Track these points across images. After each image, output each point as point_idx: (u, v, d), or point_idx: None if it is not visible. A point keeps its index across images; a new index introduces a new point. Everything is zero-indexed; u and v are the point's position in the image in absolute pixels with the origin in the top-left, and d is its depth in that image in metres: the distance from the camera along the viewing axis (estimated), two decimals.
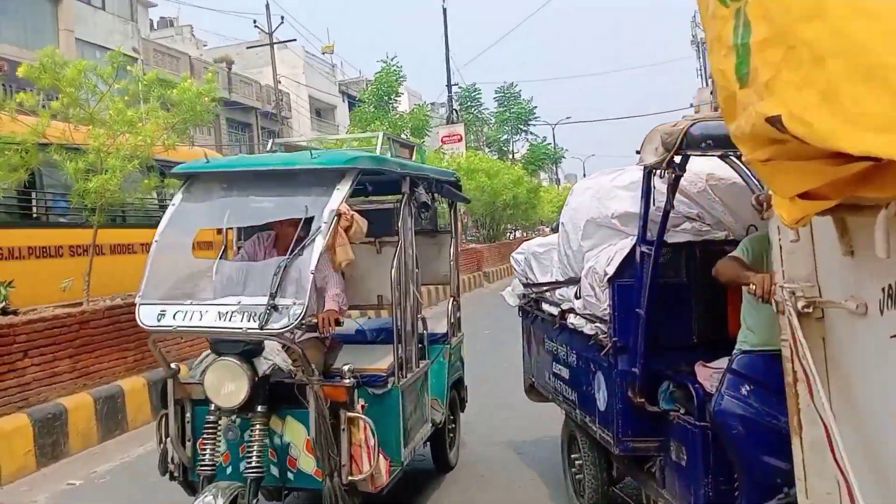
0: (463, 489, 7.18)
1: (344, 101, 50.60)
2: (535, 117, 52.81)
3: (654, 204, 4.76)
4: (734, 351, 4.21)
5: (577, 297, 5.60)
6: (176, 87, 11.53)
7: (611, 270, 5.05)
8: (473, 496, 7.01)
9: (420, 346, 6.36)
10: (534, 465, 7.70)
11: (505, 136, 51.80)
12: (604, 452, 5.67)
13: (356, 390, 5.24)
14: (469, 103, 47.08)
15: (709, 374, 4.47)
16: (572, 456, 6.33)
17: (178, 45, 41.11)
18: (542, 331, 6.88)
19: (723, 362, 4.42)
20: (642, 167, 4.70)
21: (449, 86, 35.04)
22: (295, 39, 40.58)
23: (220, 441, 5.24)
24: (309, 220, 5.11)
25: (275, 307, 4.75)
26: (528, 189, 39.78)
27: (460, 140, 32.78)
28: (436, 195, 7.10)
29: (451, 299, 8.09)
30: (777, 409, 3.69)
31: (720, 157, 3.98)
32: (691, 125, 3.98)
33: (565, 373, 6.17)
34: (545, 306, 6.67)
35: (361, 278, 7.08)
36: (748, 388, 3.99)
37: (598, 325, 5.32)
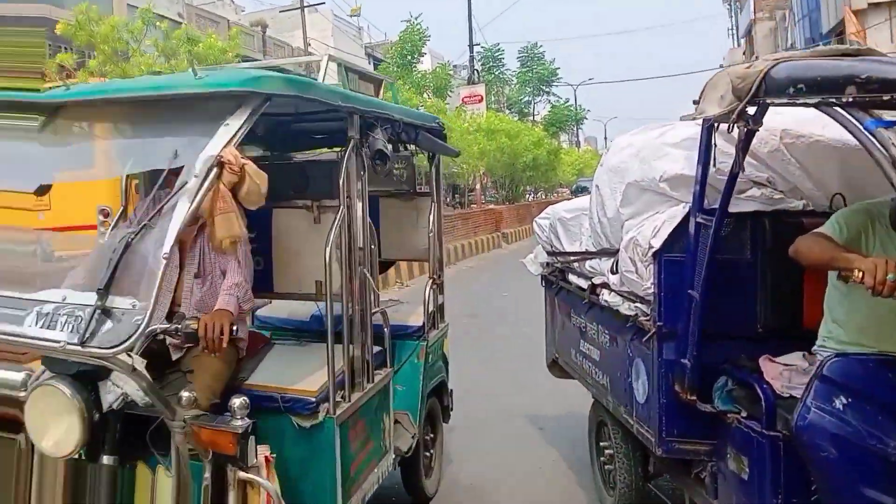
0: (481, 459, 6.52)
1: (370, 63, 49.48)
2: (558, 78, 51.61)
3: (713, 165, 3.90)
4: (817, 348, 3.37)
5: (612, 272, 4.72)
6: (202, 43, 11.37)
7: (657, 243, 4.17)
8: (490, 471, 6.29)
9: (380, 349, 4.73)
10: (557, 442, 6.92)
11: (526, 98, 50.67)
12: (639, 445, 4.81)
13: (250, 436, 3.29)
14: (491, 63, 45.93)
15: (778, 372, 3.60)
16: (601, 444, 5.50)
17: (219, 10, 40.81)
18: (568, 304, 6.00)
19: (795, 358, 3.58)
20: (701, 121, 3.84)
21: (471, 45, 34.00)
22: (324, 2, 39.53)
23: None
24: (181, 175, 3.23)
25: (105, 311, 2.93)
26: (549, 151, 38.80)
27: (481, 100, 31.76)
28: (414, 147, 5.46)
29: (430, 281, 5.83)
30: (883, 430, 2.85)
31: (815, 105, 3.05)
32: (773, 65, 3.07)
33: (595, 353, 5.32)
34: (573, 278, 5.79)
35: (295, 257, 4.95)
36: (844, 400, 3.08)
37: (638, 304, 4.45)
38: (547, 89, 51.21)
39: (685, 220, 4.10)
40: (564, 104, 54.09)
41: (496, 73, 46.38)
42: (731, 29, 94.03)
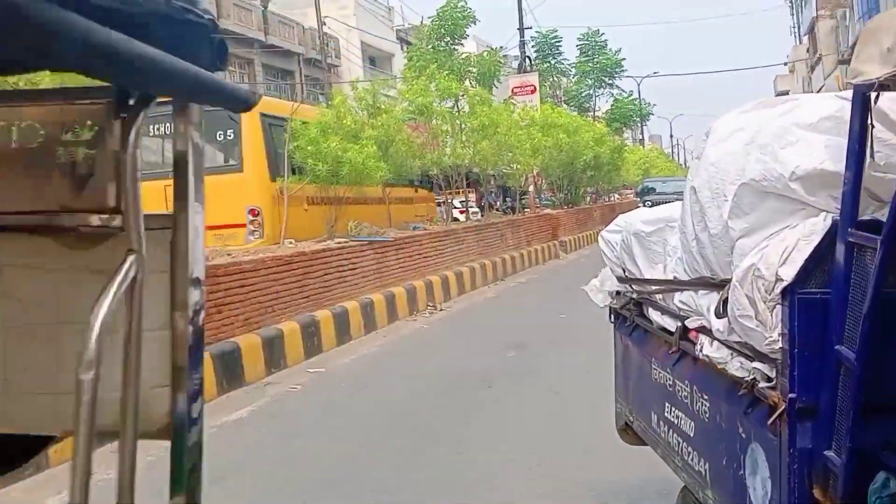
0: None
1: (403, 48, 46.88)
2: (623, 70, 50.08)
3: (871, 157, 2.73)
4: None
5: (718, 315, 3.49)
6: None
7: (789, 274, 2.98)
8: None
9: None
10: None
11: (586, 91, 49.23)
12: None
13: None
14: (547, 51, 44.47)
15: None
16: None
17: None
18: (647, 350, 4.75)
19: None
20: (852, 87, 2.71)
21: (521, 29, 32.53)
22: None
23: None
24: None
25: None
26: (612, 148, 37.48)
27: (534, 91, 30.45)
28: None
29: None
30: None
31: None
32: None
33: (688, 426, 4.07)
34: (654, 315, 4.58)
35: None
36: None
37: (757, 365, 3.25)
38: (610, 81, 49.75)
39: (831, 238, 2.93)
40: (629, 98, 52.68)
41: (552, 62, 44.97)
42: (794, 27, 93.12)
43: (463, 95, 20.70)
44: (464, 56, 29.66)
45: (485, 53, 29.25)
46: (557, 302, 15.97)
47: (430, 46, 29.22)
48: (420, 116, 17.91)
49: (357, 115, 15.43)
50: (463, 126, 19.62)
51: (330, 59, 38.65)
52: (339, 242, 13.43)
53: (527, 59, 33.22)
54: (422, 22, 30.50)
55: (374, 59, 47.03)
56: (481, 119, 19.29)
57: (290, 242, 13.41)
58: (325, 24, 37.05)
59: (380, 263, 14.35)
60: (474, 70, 28.39)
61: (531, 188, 28.86)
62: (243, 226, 13.73)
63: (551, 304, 16.08)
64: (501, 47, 30.46)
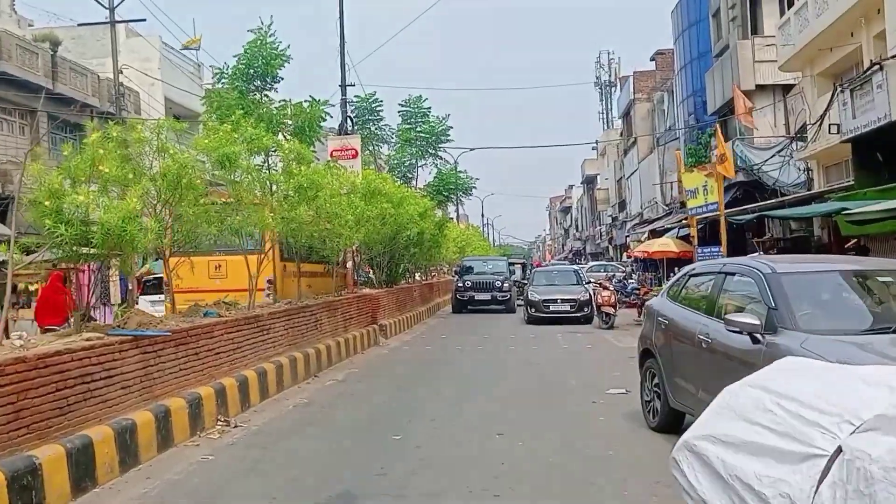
0: None
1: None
2: (449, 139, 46.54)
3: None
4: None
5: None
6: None
7: None
8: None
9: None
10: None
11: (409, 160, 45.74)
12: None
13: None
14: (367, 116, 40.60)
15: None
16: None
17: None
18: None
19: None
20: None
21: (343, 86, 28.40)
22: (145, 19, 33.07)
23: None
24: None
25: None
26: (436, 224, 34.17)
27: (356, 156, 26.56)
28: None
29: None
30: None
31: None
32: None
33: None
34: None
35: None
36: None
37: None
38: (434, 151, 46.35)
39: None
40: (453, 170, 49.51)
41: (372, 128, 41.09)
42: (602, 113, 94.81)
43: (275, 151, 16.69)
44: (278, 104, 25.24)
45: (304, 103, 24.65)
46: (387, 412, 12.27)
47: (235, 90, 24.52)
48: (221, 170, 13.68)
49: (128, 164, 11.28)
50: (275, 188, 15.63)
51: (127, 112, 33.36)
52: (88, 339, 9.18)
53: (348, 120, 29.14)
54: (224, 65, 25.39)
55: (180, 118, 41.76)
56: (299, 180, 15.39)
57: (18, 337, 9.14)
58: (122, 72, 32.39)
59: (150, 367, 10.17)
60: (291, 122, 23.94)
61: (349, 264, 25.02)
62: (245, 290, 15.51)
63: (381, 413, 12.31)
64: (326, 100, 25.72)
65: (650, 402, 10.73)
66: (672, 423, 10.23)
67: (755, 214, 25.25)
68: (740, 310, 8.32)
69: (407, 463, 9.19)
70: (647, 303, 12.51)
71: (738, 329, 7.79)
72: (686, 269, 11.13)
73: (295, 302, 17.58)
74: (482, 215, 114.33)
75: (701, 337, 8.89)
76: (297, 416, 12.54)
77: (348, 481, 8.41)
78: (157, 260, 30.33)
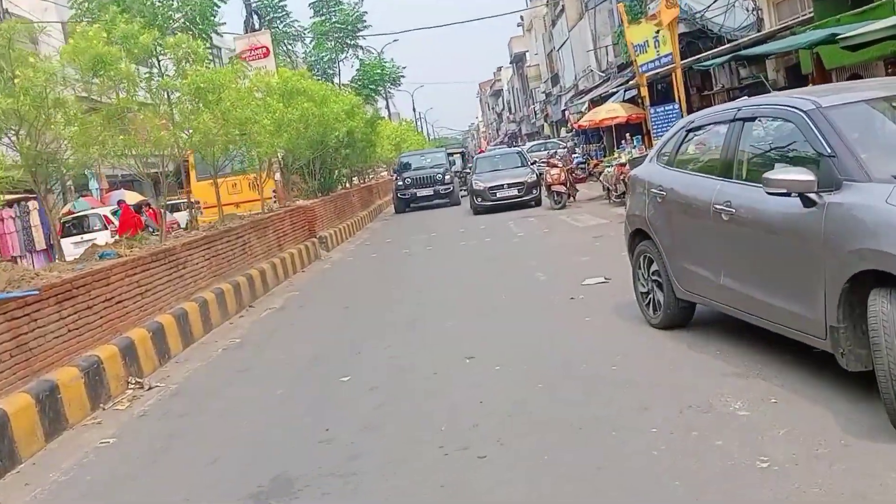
0: None
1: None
2: (366, 26, 43.27)
3: None
4: None
5: None
6: None
7: None
8: None
9: None
10: None
11: (328, 55, 42.43)
12: None
13: None
14: (272, 14, 37.10)
15: None
16: None
17: None
18: None
19: None
20: None
21: None
22: None
23: None
24: None
25: None
26: (366, 122, 31.61)
27: (268, 54, 23.88)
28: None
29: None
30: None
31: None
32: None
33: None
34: None
35: None
36: None
37: None
38: (353, 42, 43.03)
39: None
40: (377, 60, 46.22)
41: (280, 25, 37.60)
42: None
43: (162, 52, 13.97)
44: None
45: None
46: (333, 345, 10.23)
47: None
48: (95, 78, 11.06)
49: None
50: (168, 96, 13.07)
51: None
52: None
53: (253, 15, 26.15)
54: None
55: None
56: (194, 80, 12.84)
57: None
58: None
59: (23, 335, 7.91)
60: (179, 15, 20.76)
61: (278, 175, 22.62)
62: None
63: (325, 346, 10.25)
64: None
65: (648, 294, 8.64)
66: (680, 318, 8.22)
67: (727, 56, 22.72)
68: (774, 166, 6.21)
69: (359, 417, 7.09)
70: (631, 173, 10.23)
71: (782, 190, 5.68)
72: (680, 123, 8.86)
73: (216, 226, 15.26)
74: (413, 109, 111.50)
75: (719, 207, 6.77)
76: (227, 362, 10.41)
77: (285, 458, 6.29)
78: (80, 197, 27.81)
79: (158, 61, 14.03)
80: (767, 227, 6.16)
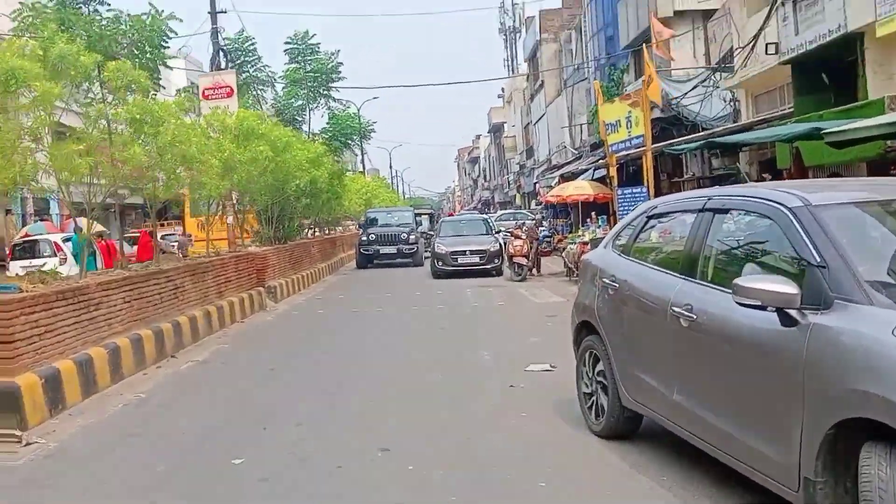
0: None
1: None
2: (340, 77, 42.25)
3: None
4: None
5: None
6: None
7: None
8: None
9: None
10: None
11: (299, 102, 41.39)
12: None
13: None
14: (242, 58, 35.96)
15: None
16: None
17: None
18: None
19: None
20: None
21: (213, 13, 24.16)
22: None
23: None
24: None
25: None
26: (331, 173, 30.45)
27: (231, 94, 22.81)
28: None
29: None
30: None
31: None
32: None
33: None
34: None
35: None
36: None
37: None
38: (326, 92, 42.01)
39: None
40: (347, 113, 45.00)
41: (250, 69, 36.41)
42: (507, 60, 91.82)
43: (98, 77, 12.68)
44: (108, 19, 19.88)
45: (143, 16, 19.74)
46: (239, 413, 9.05)
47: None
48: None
49: None
50: (103, 121, 11.86)
51: None
52: None
53: (220, 53, 25.05)
54: None
55: None
56: (129, 110, 11.66)
57: None
58: None
59: None
60: (127, 40, 19.42)
61: (230, 219, 21.44)
62: None
63: (230, 414, 9.06)
64: (172, 13, 20.79)
65: (591, 396, 7.50)
66: (625, 428, 7.11)
67: (700, 143, 21.79)
68: (749, 269, 5.10)
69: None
70: (583, 257, 9.08)
71: (756, 302, 4.56)
72: (641, 208, 7.71)
73: (143, 268, 14.01)
74: (390, 167, 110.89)
75: (677, 309, 5.66)
76: (121, 421, 9.16)
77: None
78: (39, 221, 26.70)
79: (102, 86, 12.78)
80: (733, 343, 5.04)
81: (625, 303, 6.82)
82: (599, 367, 7.26)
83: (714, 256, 5.69)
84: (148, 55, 19.18)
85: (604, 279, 7.20)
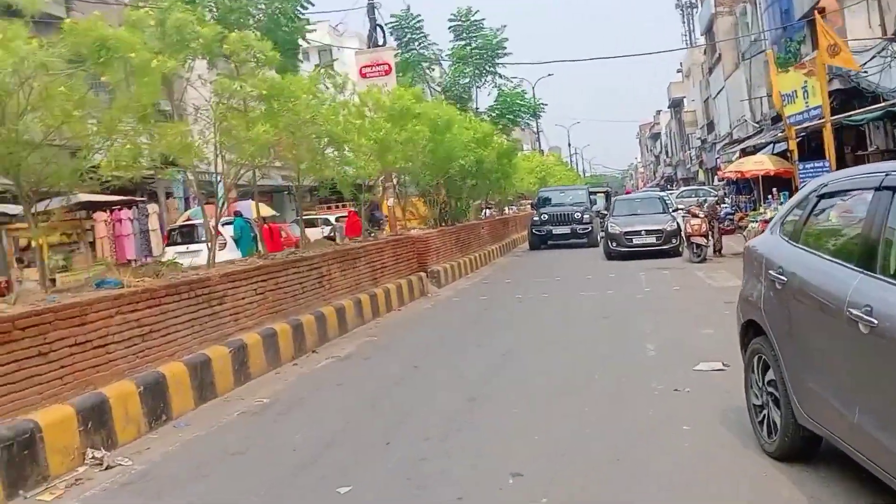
0: None
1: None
2: (506, 52, 40.95)
3: None
4: None
5: None
6: None
7: None
8: None
9: None
10: None
11: (466, 80, 40.48)
12: None
13: None
14: (408, 35, 35.29)
15: None
16: None
17: None
18: None
19: None
20: None
21: None
22: None
23: None
24: None
25: None
26: (500, 152, 29.38)
27: (389, 72, 22.06)
28: None
29: None
30: None
31: None
32: None
33: None
34: None
35: None
36: None
37: None
38: (492, 69, 40.67)
39: None
40: (517, 89, 43.74)
41: (416, 47, 35.65)
42: (685, 34, 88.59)
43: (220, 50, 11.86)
44: None
45: None
46: (367, 421, 8.12)
47: None
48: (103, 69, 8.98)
49: None
50: (229, 98, 11.13)
51: None
52: None
53: (378, 29, 24.29)
54: None
55: None
56: (258, 86, 10.89)
57: None
58: None
59: None
60: (261, 9, 18.45)
61: (391, 201, 20.73)
62: None
63: (356, 423, 8.15)
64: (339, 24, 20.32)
65: (762, 410, 6.16)
66: (803, 448, 5.74)
67: (879, 112, 19.49)
68: None
69: None
70: (747, 244, 7.63)
71: None
72: (809, 186, 6.21)
73: (284, 255, 13.35)
74: (569, 145, 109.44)
75: (855, 312, 4.33)
76: (226, 435, 8.25)
77: None
78: (203, 205, 27.11)
79: (227, 59, 12.03)
80: None
81: (795, 300, 5.46)
82: (770, 375, 5.92)
83: None
84: (283, 28, 18.37)
85: (770, 271, 5.83)
